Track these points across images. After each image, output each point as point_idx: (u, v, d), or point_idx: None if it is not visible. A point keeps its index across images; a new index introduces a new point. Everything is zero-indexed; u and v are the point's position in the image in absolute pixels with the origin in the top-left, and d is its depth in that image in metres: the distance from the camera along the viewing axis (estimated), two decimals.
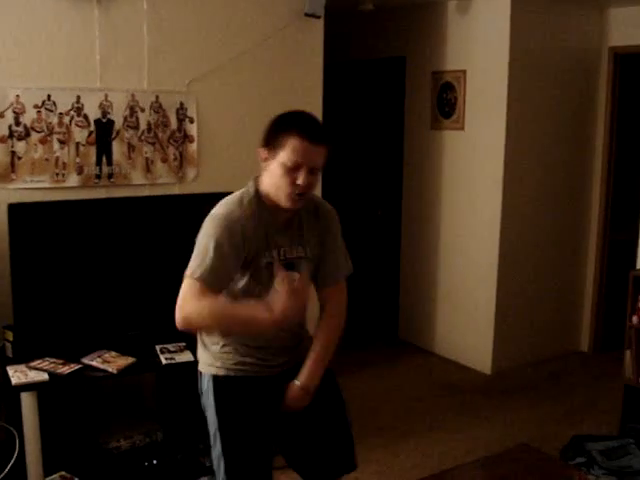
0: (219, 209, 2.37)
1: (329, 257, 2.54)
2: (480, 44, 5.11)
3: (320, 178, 2.38)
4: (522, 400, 4.82)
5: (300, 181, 2.27)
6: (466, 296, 5.43)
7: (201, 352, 2.57)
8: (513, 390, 5.01)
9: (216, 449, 2.50)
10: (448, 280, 5.58)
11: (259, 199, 2.38)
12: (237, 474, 2.47)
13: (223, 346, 2.48)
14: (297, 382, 2.50)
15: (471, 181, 5.30)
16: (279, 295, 2.15)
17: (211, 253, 2.28)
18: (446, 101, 5.39)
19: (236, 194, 2.42)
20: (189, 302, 2.30)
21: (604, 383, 5.02)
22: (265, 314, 2.16)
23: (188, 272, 2.34)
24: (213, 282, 2.28)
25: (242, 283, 2.37)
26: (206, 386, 2.52)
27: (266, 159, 2.35)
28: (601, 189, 5.59)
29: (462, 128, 5.29)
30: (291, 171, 2.27)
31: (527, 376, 5.26)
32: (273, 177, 2.32)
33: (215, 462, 2.53)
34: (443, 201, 5.54)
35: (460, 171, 5.38)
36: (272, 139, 2.33)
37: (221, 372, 2.49)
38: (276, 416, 2.52)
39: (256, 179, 2.42)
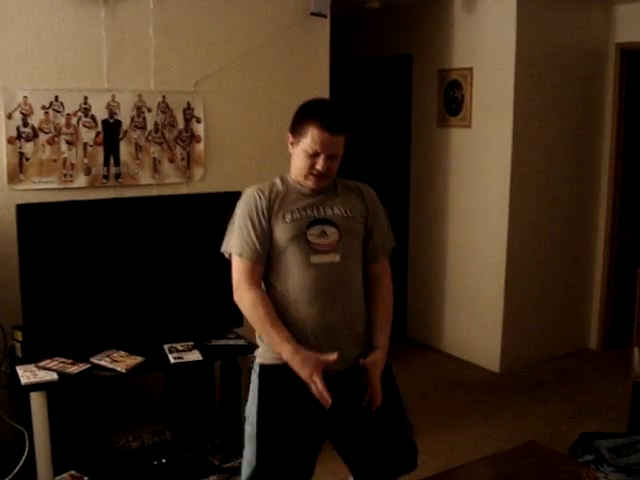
0: (246, 189, 2.59)
1: (376, 232, 2.65)
2: (486, 42, 5.11)
3: (340, 162, 2.55)
4: (531, 398, 4.81)
5: (319, 166, 2.47)
6: (474, 294, 5.43)
7: (258, 342, 2.63)
8: (522, 388, 5.00)
9: (249, 431, 2.54)
10: (456, 278, 5.58)
11: (285, 178, 2.60)
12: (268, 464, 2.50)
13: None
14: (377, 349, 2.57)
15: (478, 178, 5.29)
16: (304, 368, 2.38)
17: (243, 227, 2.50)
18: (453, 99, 5.39)
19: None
20: (241, 288, 2.50)
21: (613, 380, 5.01)
22: (286, 353, 2.41)
23: (228, 249, 2.56)
24: (251, 253, 2.48)
25: (277, 238, 2.49)
26: (253, 379, 2.59)
27: (292, 144, 2.56)
28: (609, 185, 5.58)
29: (469, 126, 5.29)
30: (311, 157, 2.47)
31: (536, 374, 5.25)
32: (296, 161, 2.53)
33: (246, 443, 2.55)
34: (450, 199, 5.53)
35: (467, 168, 5.37)
36: (296, 126, 2.53)
37: (268, 361, 2.54)
38: (327, 413, 2.48)
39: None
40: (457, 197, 5.48)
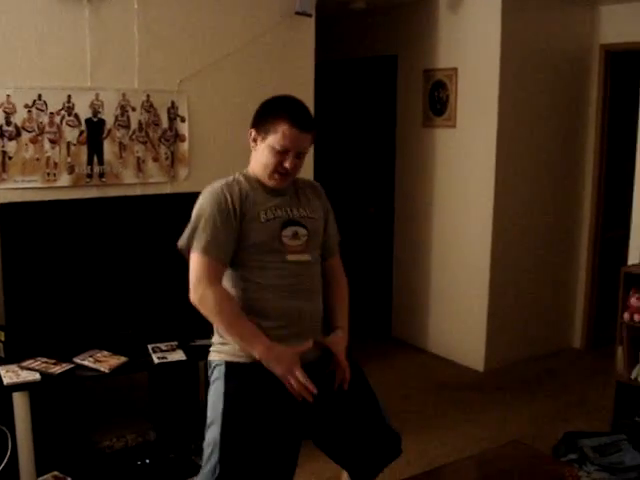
0: (208, 187, 2.53)
1: (330, 228, 2.71)
2: (471, 42, 5.12)
3: (304, 161, 2.54)
4: (515, 397, 4.83)
5: (287, 164, 2.44)
6: (459, 293, 5.44)
7: (215, 339, 2.58)
8: (506, 387, 5.02)
9: (212, 437, 2.45)
10: (441, 277, 5.59)
11: (248, 176, 2.55)
12: (232, 465, 2.40)
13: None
14: (338, 329, 2.62)
15: (463, 178, 5.30)
16: (281, 362, 2.36)
17: (206, 224, 2.42)
18: (438, 99, 5.40)
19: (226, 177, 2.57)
20: (199, 287, 2.43)
21: (596, 379, 5.04)
22: (260, 349, 2.37)
23: (183, 243, 2.51)
24: (216, 251, 2.41)
25: (252, 239, 2.45)
26: (217, 374, 2.51)
27: (255, 140, 2.51)
28: (593, 186, 5.61)
29: (454, 126, 5.30)
30: (279, 154, 2.43)
31: (520, 373, 5.27)
32: (261, 158, 2.48)
33: (207, 451, 2.47)
34: (435, 198, 5.54)
35: (452, 168, 5.38)
36: (263, 122, 2.48)
37: (234, 359, 2.47)
38: (301, 410, 2.46)
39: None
40: (442, 197, 5.49)
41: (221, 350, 2.53)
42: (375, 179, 6.13)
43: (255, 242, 2.44)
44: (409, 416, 4.53)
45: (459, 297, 5.44)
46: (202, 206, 2.47)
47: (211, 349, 2.60)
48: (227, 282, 2.51)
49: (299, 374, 2.36)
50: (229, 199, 2.44)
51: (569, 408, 4.64)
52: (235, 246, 2.44)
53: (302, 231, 2.51)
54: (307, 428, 2.55)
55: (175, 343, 3.68)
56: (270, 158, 2.45)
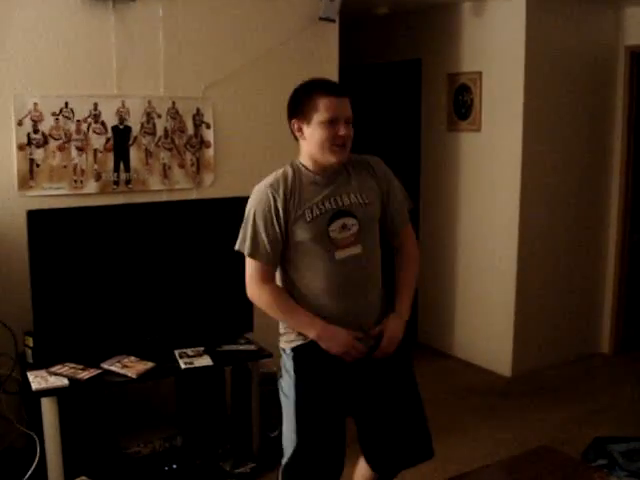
0: (260, 182, 2.58)
1: (393, 207, 2.73)
2: (495, 45, 5.10)
3: (353, 130, 2.56)
4: (543, 402, 4.79)
5: (342, 132, 2.46)
6: (485, 298, 5.41)
7: (282, 330, 2.66)
8: (533, 392, 4.97)
9: (289, 421, 2.59)
10: (467, 282, 5.56)
11: (297, 167, 2.56)
12: (309, 443, 2.57)
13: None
14: (394, 313, 2.68)
15: (489, 182, 5.28)
16: (337, 341, 2.50)
17: (255, 227, 2.50)
18: (462, 103, 5.38)
19: (275, 171, 2.60)
20: (252, 285, 2.55)
21: (625, 384, 4.98)
22: (315, 333, 2.51)
23: (241, 249, 2.55)
24: (263, 255, 2.50)
25: (298, 238, 2.50)
26: (287, 361, 2.62)
27: (299, 129, 2.53)
28: (619, 189, 5.55)
29: (479, 129, 5.28)
30: (331, 126, 2.45)
31: (547, 378, 5.23)
32: (315, 139, 2.49)
33: (287, 438, 2.61)
34: (461, 202, 5.52)
35: (477, 172, 5.36)
36: (301, 108, 2.51)
37: (298, 342, 2.58)
38: (353, 391, 2.63)
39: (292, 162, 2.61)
40: (467, 201, 5.47)
41: (284, 339, 2.64)
42: (401, 182, 6.10)
43: (301, 241, 2.50)
44: (436, 421, 4.46)
45: (485, 302, 5.41)
46: (249, 209, 2.54)
47: (280, 337, 2.68)
48: (279, 279, 2.61)
49: (355, 343, 2.52)
50: (272, 202, 2.48)
51: (598, 413, 4.59)
52: (282, 245, 2.51)
53: (351, 221, 2.53)
54: (354, 407, 2.67)
55: (202, 348, 3.70)
56: (324, 133, 2.46)
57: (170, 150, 4.09)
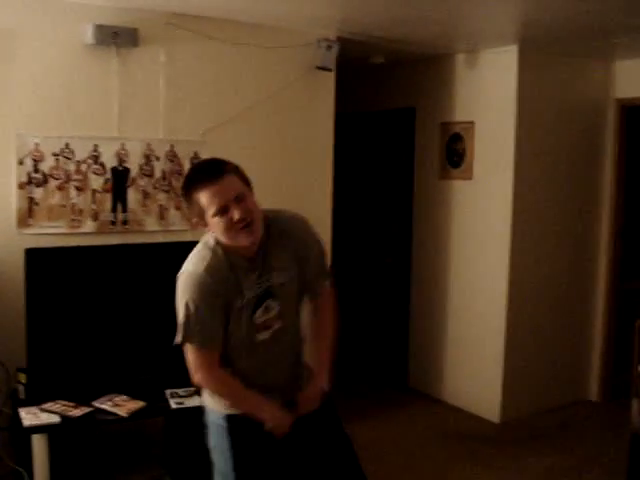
0: (188, 267, 2.44)
1: (310, 269, 2.58)
2: (488, 96, 5.22)
3: (252, 201, 2.43)
4: (530, 449, 4.80)
5: (236, 216, 2.32)
6: (475, 344, 5.45)
7: (206, 398, 2.62)
8: (521, 439, 4.99)
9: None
10: (457, 328, 5.61)
11: (221, 247, 2.42)
12: None
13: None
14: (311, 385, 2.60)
15: (480, 230, 5.36)
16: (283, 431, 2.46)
17: (200, 316, 2.37)
18: (455, 151, 5.48)
19: (198, 249, 2.48)
20: (199, 372, 2.45)
21: (613, 432, 5.00)
22: (267, 416, 2.45)
23: (180, 339, 2.43)
24: (210, 342, 2.42)
25: (228, 331, 2.45)
26: (219, 432, 2.54)
27: (201, 224, 2.42)
28: (609, 239, 5.63)
29: (470, 178, 5.37)
30: (224, 215, 2.32)
31: (536, 425, 5.24)
32: (218, 229, 2.36)
33: None
34: (452, 249, 5.59)
35: (469, 220, 5.44)
36: (190, 205, 2.40)
37: (233, 412, 2.51)
38: (286, 456, 2.56)
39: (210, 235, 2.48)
40: (459, 248, 5.54)
41: (216, 407, 2.56)
42: (393, 229, 6.19)
43: (231, 333, 2.45)
44: (423, 467, 4.52)
45: (475, 348, 5.45)
46: (187, 299, 2.39)
47: (206, 408, 2.62)
48: None
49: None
50: (213, 286, 2.37)
51: (585, 461, 4.60)
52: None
53: (273, 304, 2.48)
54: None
55: (193, 389, 3.72)
56: (222, 224, 2.33)
57: (167, 192, 4.17)
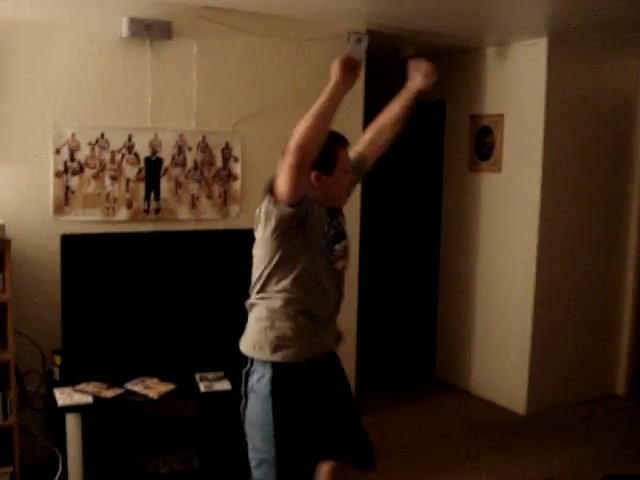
0: None
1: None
2: (517, 89, 5.24)
3: None
4: (555, 441, 4.82)
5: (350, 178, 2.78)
6: (502, 336, 5.48)
7: (258, 337, 2.67)
8: (547, 431, 5.01)
9: (265, 444, 2.62)
10: (485, 320, 5.64)
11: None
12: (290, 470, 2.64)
13: (288, 327, 2.63)
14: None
15: (508, 222, 5.38)
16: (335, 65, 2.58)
17: None
18: (484, 144, 5.51)
19: None
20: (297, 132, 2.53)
21: (638, 426, 5.01)
22: (332, 83, 2.57)
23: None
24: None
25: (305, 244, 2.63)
26: (266, 377, 2.61)
27: (319, 178, 2.65)
28: (638, 231, 5.62)
29: (499, 170, 5.40)
30: (347, 173, 2.74)
31: (561, 417, 5.26)
32: (334, 186, 2.70)
33: (259, 460, 2.67)
34: (480, 241, 5.62)
35: (497, 212, 5.47)
36: (325, 158, 2.62)
37: (284, 360, 2.61)
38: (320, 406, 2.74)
39: None
40: (487, 240, 5.57)
41: (266, 352, 2.63)
42: (423, 221, 6.23)
43: (314, 256, 2.67)
44: (449, 457, 4.57)
45: (502, 340, 5.47)
46: None
47: (254, 344, 2.68)
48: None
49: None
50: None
51: (610, 453, 4.62)
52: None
53: (343, 243, 2.78)
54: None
55: (222, 373, 3.82)
56: (344, 179, 2.73)
57: (199, 182, 4.26)
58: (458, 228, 5.82)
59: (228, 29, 4.25)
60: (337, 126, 4.75)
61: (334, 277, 2.75)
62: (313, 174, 2.62)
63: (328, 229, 2.69)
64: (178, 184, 4.20)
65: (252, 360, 2.66)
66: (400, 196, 6.44)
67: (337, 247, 2.73)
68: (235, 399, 4.05)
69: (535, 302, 5.22)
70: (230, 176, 4.36)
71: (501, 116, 5.36)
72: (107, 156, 3.99)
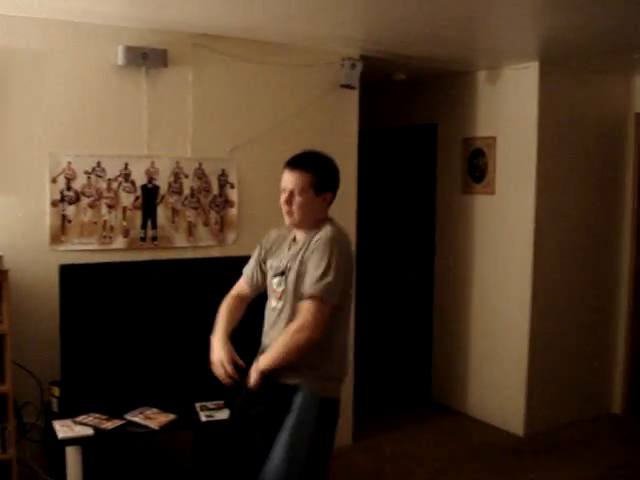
0: None
1: (305, 278, 2.84)
2: (509, 112, 5.28)
3: (301, 203, 2.92)
4: (554, 462, 4.82)
5: (282, 199, 2.93)
6: (498, 357, 5.48)
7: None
8: (545, 452, 5.01)
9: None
10: (480, 341, 5.64)
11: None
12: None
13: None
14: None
15: (502, 244, 5.40)
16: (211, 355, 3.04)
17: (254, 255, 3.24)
18: (477, 166, 5.53)
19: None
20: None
21: (636, 445, 5.01)
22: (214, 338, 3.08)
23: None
24: (245, 274, 3.25)
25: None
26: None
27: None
28: (631, 252, 5.66)
29: (492, 192, 5.42)
30: (282, 194, 2.94)
31: (559, 438, 5.26)
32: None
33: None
34: (474, 262, 5.63)
35: (491, 234, 5.48)
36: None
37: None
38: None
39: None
40: (481, 262, 5.58)
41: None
42: (416, 243, 6.24)
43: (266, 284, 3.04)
44: (447, 478, 4.55)
45: (498, 361, 5.47)
46: None
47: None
48: None
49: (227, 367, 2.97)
50: (264, 240, 3.13)
51: (608, 473, 4.62)
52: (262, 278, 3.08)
53: (282, 281, 2.90)
54: None
55: (222, 402, 3.79)
56: (281, 199, 2.95)
57: (195, 209, 4.25)
58: (452, 250, 5.84)
59: (223, 56, 4.26)
60: (332, 149, 4.78)
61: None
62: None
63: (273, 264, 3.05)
64: (175, 212, 4.19)
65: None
66: (393, 218, 6.45)
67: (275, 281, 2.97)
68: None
69: (531, 323, 5.23)
70: (227, 203, 4.36)
71: (494, 139, 5.40)
72: (103, 184, 3.98)
